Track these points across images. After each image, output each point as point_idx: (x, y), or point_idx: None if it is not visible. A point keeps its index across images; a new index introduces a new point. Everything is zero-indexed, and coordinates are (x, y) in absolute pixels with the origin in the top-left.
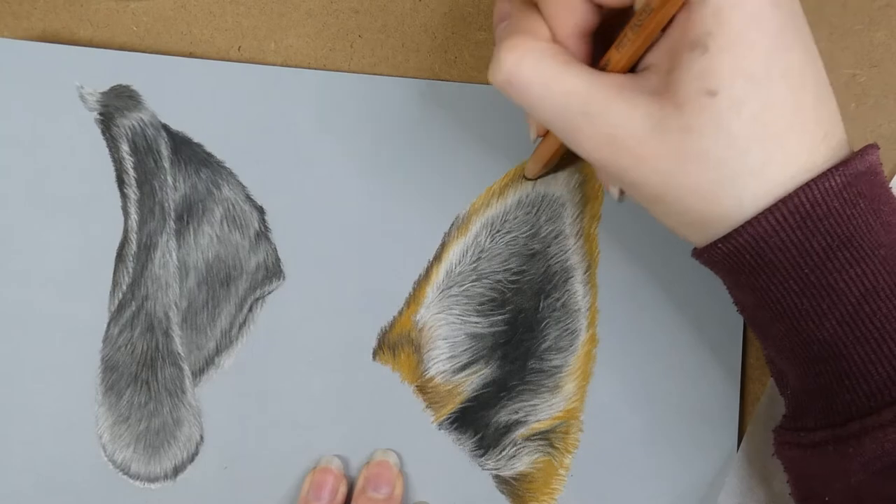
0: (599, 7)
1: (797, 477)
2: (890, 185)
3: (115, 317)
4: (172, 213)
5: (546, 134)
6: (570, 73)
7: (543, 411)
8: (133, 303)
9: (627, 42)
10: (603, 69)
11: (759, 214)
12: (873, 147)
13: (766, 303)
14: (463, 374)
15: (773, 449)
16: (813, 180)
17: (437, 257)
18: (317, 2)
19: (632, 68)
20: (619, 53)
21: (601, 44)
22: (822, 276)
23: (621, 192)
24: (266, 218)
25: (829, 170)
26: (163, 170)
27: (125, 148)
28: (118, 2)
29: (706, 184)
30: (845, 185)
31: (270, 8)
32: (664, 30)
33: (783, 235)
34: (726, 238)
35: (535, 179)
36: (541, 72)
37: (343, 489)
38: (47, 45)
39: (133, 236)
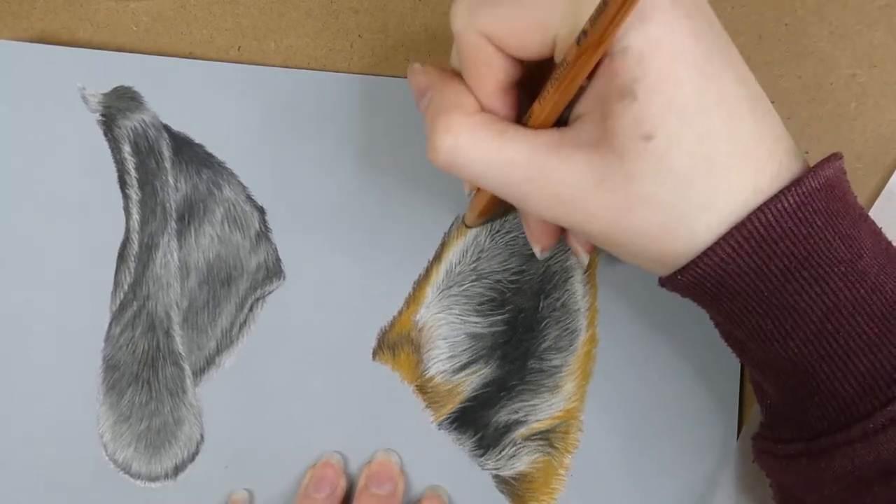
0: (519, 61)
1: (777, 484)
2: (854, 194)
3: (116, 316)
4: (174, 214)
5: (479, 189)
6: (506, 142)
7: (543, 411)
8: (134, 302)
9: (549, 95)
10: (526, 124)
11: (714, 244)
12: (832, 159)
13: (736, 324)
14: (463, 373)
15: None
16: (765, 203)
17: (437, 257)
18: (317, 2)
19: (564, 120)
20: (541, 107)
21: (528, 94)
22: (783, 297)
23: (542, 250)
24: (266, 218)
25: (781, 191)
26: (164, 170)
27: (127, 149)
28: (118, 2)
29: (657, 226)
30: (799, 205)
31: (270, 8)
32: (589, 78)
33: (740, 262)
34: (684, 269)
35: (476, 227)
36: (478, 148)
37: (343, 484)
38: (49, 46)
39: (135, 236)
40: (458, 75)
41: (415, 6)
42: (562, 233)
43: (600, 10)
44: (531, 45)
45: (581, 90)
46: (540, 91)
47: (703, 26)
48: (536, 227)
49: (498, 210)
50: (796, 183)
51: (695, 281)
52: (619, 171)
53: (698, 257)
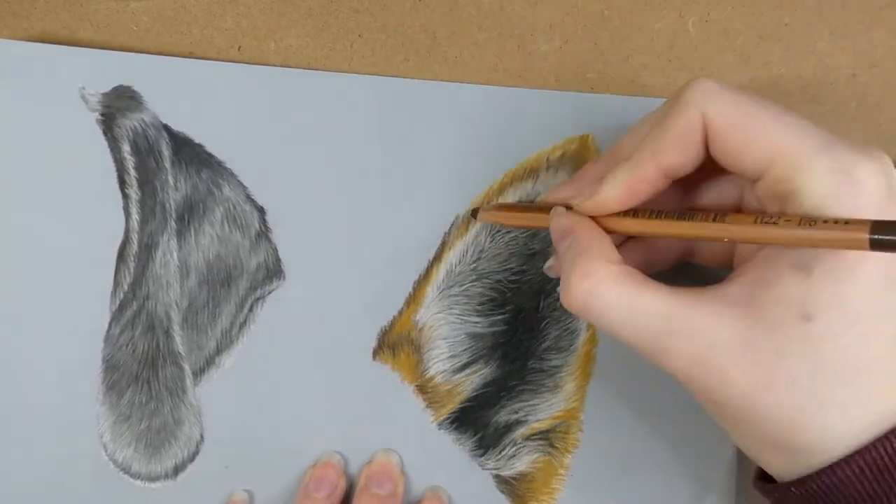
0: (707, 165)
1: None
2: None
3: (116, 316)
4: (174, 213)
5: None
6: (648, 293)
7: (543, 411)
8: (134, 302)
9: (695, 223)
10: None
11: (836, 464)
12: None
13: None
14: (463, 373)
15: None
16: (893, 431)
17: (438, 257)
18: (317, 2)
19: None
20: (657, 221)
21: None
22: None
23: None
24: (266, 218)
25: None
26: (164, 170)
27: (126, 148)
28: (118, 2)
29: (792, 411)
30: None
31: (270, 8)
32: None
33: (859, 487)
34: (800, 482)
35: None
36: (619, 297)
37: (343, 484)
38: (49, 46)
39: (134, 236)
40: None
41: (415, 6)
42: None
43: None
44: (740, 161)
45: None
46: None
47: None
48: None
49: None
50: None
51: (808, 495)
52: (768, 343)
53: (818, 473)
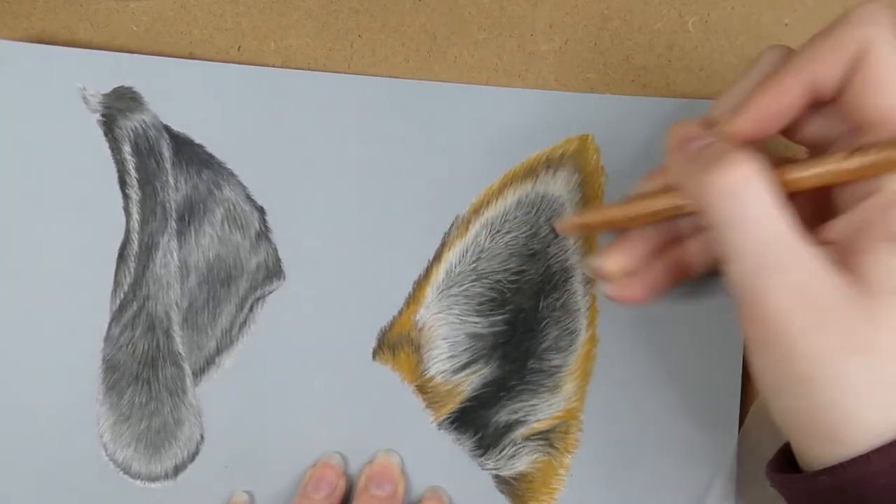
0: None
1: None
2: None
3: (116, 316)
4: (174, 214)
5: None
6: (786, 210)
7: (543, 411)
8: (134, 303)
9: (808, 166)
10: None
11: (872, 452)
12: None
13: None
14: (463, 373)
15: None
16: None
17: (437, 257)
18: (317, 2)
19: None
20: (811, 170)
21: None
22: None
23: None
24: (266, 218)
25: None
26: (164, 171)
27: (127, 149)
28: (118, 2)
29: (869, 383)
30: None
31: (270, 8)
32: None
33: (891, 479)
34: (831, 470)
35: (564, 234)
36: (767, 195)
37: (342, 485)
38: (50, 47)
39: (135, 236)
40: None
41: (415, 6)
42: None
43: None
44: (878, 106)
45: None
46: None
47: None
48: (642, 280)
49: (603, 231)
50: None
51: (840, 485)
52: (862, 308)
53: (854, 460)
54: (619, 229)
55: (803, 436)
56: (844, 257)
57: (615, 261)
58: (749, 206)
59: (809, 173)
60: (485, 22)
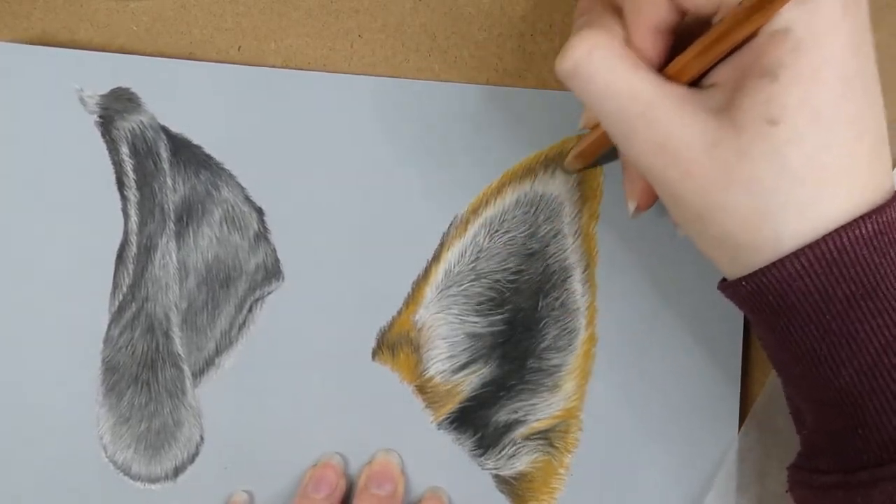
0: (681, 12)
1: None
2: None
3: (115, 318)
4: (172, 215)
5: (594, 127)
6: (636, 75)
7: (543, 410)
8: (133, 304)
9: (695, 52)
10: (668, 77)
11: (785, 258)
12: None
13: (786, 344)
14: (462, 373)
15: (768, 455)
16: (842, 227)
17: (436, 257)
18: (317, 2)
19: (696, 83)
20: (682, 61)
21: (671, 53)
22: (844, 324)
23: (636, 209)
24: (265, 219)
25: (861, 216)
26: (162, 172)
27: (125, 150)
28: (118, 2)
29: (749, 211)
30: (876, 233)
31: (270, 8)
32: (734, 50)
33: (807, 281)
34: (750, 277)
35: (574, 173)
36: (608, 67)
37: (342, 485)
38: (47, 48)
39: (133, 238)
40: (618, 14)
41: (415, 6)
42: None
43: None
44: None
45: (720, 61)
46: (688, 48)
47: (861, 43)
48: (637, 182)
49: (600, 157)
50: (877, 211)
51: (757, 290)
52: (733, 144)
53: (766, 268)
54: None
55: (715, 261)
56: (728, 99)
57: (639, 193)
58: (592, 80)
59: (690, 57)
60: (485, 22)
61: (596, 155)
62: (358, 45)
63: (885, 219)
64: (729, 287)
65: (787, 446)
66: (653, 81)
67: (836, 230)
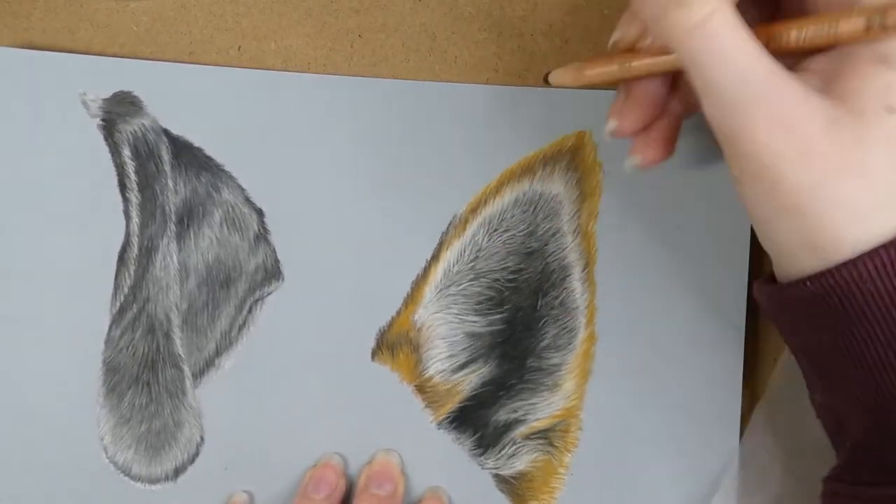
0: None
1: None
2: None
3: (116, 319)
4: (173, 217)
5: (627, 50)
6: (755, 43)
7: (542, 410)
8: (134, 305)
9: (804, 33)
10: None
11: (858, 258)
12: None
13: (843, 350)
14: (462, 373)
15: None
16: None
17: (435, 257)
18: (317, 2)
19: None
20: (785, 37)
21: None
22: None
23: (645, 162)
24: (265, 220)
25: None
26: (164, 174)
27: (127, 153)
28: (118, 2)
29: (854, 199)
30: None
31: (270, 8)
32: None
33: (878, 284)
34: (816, 277)
35: (557, 87)
36: (736, 29)
37: (342, 485)
38: (50, 53)
39: (135, 239)
40: None
41: (415, 6)
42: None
43: None
44: None
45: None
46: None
47: None
48: (659, 135)
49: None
50: None
51: (822, 292)
52: (851, 129)
53: (838, 267)
54: (614, 83)
55: (793, 257)
56: (828, 85)
57: (630, 119)
58: (716, 41)
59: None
60: (485, 22)
61: (609, 82)
62: (358, 45)
63: None
64: (785, 289)
65: (790, 451)
66: (767, 54)
67: None
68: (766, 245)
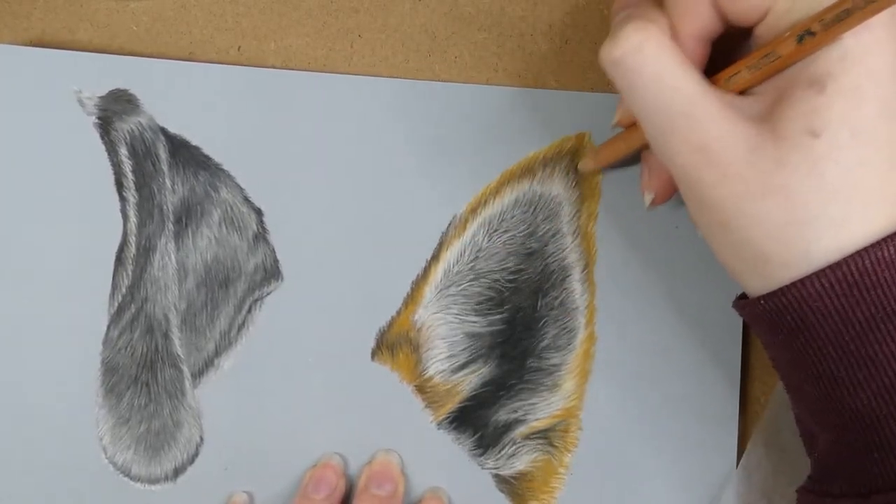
0: (724, 22)
1: None
2: None
3: (114, 319)
4: (171, 216)
5: (628, 128)
6: (684, 72)
7: (542, 410)
8: (132, 305)
9: (745, 70)
10: (715, 83)
11: (806, 278)
12: None
13: (802, 365)
14: (462, 373)
15: (776, 472)
16: (865, 249)
17: (435, 257)
18: (317, 2)
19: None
20: (741, 78)
21: (712, 57)
22: (863, 346)
23: (653, 202)
24: (264, 219)
25: (884, 239)
26: (161, 173)
27: (123, 151)
28: (118, 2)
29: (781, 221)
30: None
31: (270, 8)
32: None
33: (827, 302)
34: (769, 296)
35: (588, 173)
36: (656, 61)
37: (342, 485)
38: (45, 50)
39: (132, 239)
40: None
41: (415, 6)
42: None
43: (837, 18)
44: (748, 7)
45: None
46: (730, 58)
47: None
48: (658, 176)
49: (621, 160)
50: None
51: (776, 309)
52: (772, 152)
53: (786, 287)
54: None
55: (735, 272)
56: (768, 108)
57: (659, 188)
58: (641, 72)
59: (744, 71)
60: (485, 22)
61: (620, 157)
62: (358, 45)
63: None
64: (746, 306)
65: (794, 464)
66: (698, 80)
67: (858, 252)
68: (718, 257)
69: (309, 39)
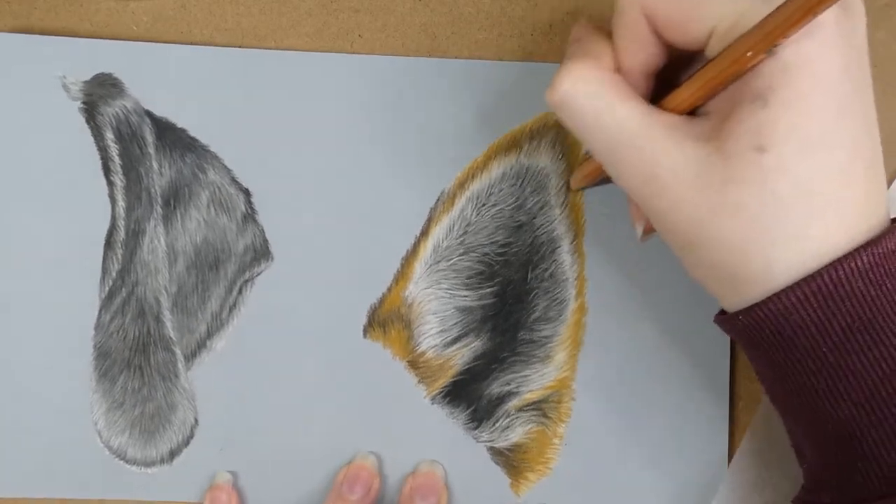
0: (669, 47)
1: None
2: None
3: (105, 304)
4: (159, 199)
5: None
6: (624, 105)
7: (535, 381)
8: (123, 289)
9: (691, 87)
10: (661, 108)
11: (781, 292)
12: None
13: (784, 378)
14: (454, 347)
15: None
16: (838, 260)
17: (424, 233)
18: (317, 2)
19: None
20: (678, 95)
21: (663, 82)
22: (840, 356)
23: (645, 233)
24: (252, 200)
25: (857, 249)
26: (148, 156)
27: (110, 136)
28: (118, 2)
29: (738, 239)
30: (872, 266)
31: (270, 8)
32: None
33: (803, 314)
34: (746, 311)
35: (580, 191)
36: (595, 100)
37: (377, 485)
38: (28, 35)
39: (121, 223)
40: (610, 37)
41: (415, 6)
42: None
43: (773, 23)
44: (688, 34)
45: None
46: (679, 81)
47: (855, 64)
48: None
49: (604, 176)
50: (872, 243)
51: (753, 324)
52: (721, 172)
53: (762, 302)
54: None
55: (710, 290)
56: (718, 125)
57: (640, 217)
58: (581, 113)
59: (686, 92)
60: (485, 22)
61: (602, 175)
62: (358, 45)
63: (880, 250)
64: (726, 321)
65: (787, 458)
66: (641, 111)
67: (832, 263)
68: (692, 277)
69: (309, 39)
